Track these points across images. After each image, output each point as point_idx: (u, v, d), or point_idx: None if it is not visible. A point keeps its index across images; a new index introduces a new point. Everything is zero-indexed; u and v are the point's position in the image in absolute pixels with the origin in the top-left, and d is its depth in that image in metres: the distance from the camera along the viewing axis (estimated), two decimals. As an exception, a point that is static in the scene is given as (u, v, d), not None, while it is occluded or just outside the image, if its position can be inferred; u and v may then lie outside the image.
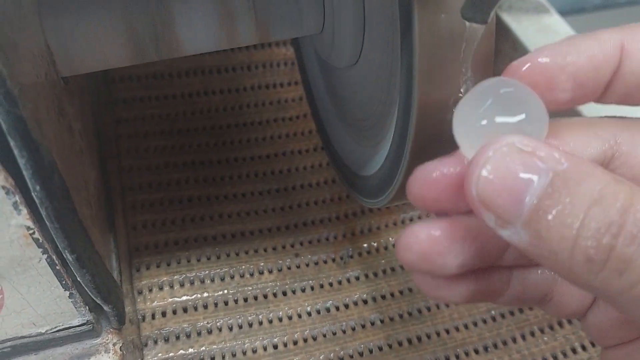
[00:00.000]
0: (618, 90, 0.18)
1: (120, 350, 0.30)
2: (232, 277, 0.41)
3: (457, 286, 0.19)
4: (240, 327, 0.39)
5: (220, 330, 0.38)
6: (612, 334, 0.20)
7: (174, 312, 0.39)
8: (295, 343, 0.38)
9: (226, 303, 0.40)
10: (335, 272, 0.42)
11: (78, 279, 0.25)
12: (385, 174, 0.31)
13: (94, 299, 0.27)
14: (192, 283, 0.40)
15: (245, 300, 0.40)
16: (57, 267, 0.25)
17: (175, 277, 0.40)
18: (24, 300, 0.26)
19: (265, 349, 0.38)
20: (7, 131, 0.19)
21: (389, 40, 0.29)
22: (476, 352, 0.39)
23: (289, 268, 0.42)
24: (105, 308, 0.28)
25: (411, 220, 0.45)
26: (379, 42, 0.30)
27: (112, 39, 0.29)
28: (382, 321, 0.40)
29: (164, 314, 0.39)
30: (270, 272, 0.41)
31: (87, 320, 0.29)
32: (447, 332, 0.40)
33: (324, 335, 0.39)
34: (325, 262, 0.42)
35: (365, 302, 0.41)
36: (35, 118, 0.20)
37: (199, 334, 0.38)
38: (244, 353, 0.38)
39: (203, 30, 0.30)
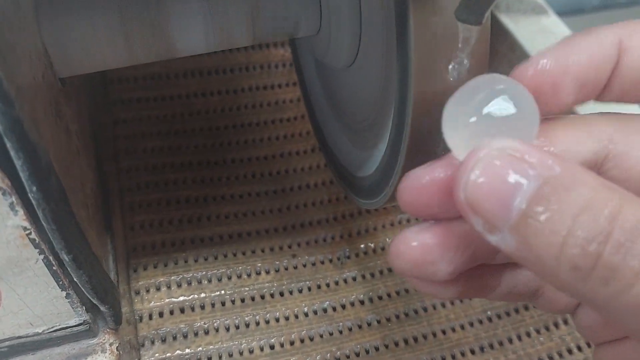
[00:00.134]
0: (616, 87, 0.18)
1: (117, 350, 0.31)
2: (229, 278, 0.41)
3: (450, 286, 0.19)
4: (237, 327, 0.39)
5: (217, 330, 0.39)
6: (601, 332, 0.20)
7: (171, 313, 0.39)
8: (292, 343, 0.39)
9: (223, 303, 0.40)
10: (332, 273, 0.42)
11: (75, 279, 0.25)
12: (381, 174, 0.31)
13: (91, 299, 0.27)
14: (189, 283, 0.40)
15: (242, 300, 0.40)
16: (54, 268, 0.25)
17: (173, 277, 0.40)
18: (21, 301, 0.26)
19: (262, 349, 0.38)
20: (4, 132, 0.19)
21: (385, 42, 0.29)
22: (472, 352, 0.39)
23: (286, 269, 0.42)
24: (102, 308, 0.28)
25: (408, 221, 0.46)
26: (375, 43, 0.30)
27: (109, 40, 0.29)
28: (378, 321, 0.40)
29: (161, 315, 0.39)
30: (267, 272, 0.42)
31: (84, 321, 0.29)
32: (444, 332, 0.40)
33: (321, 336, 0.39)
34: (322, 262, 0.43)
35: (362, 302, 0.41)
36: (32, 119, 0.20)
37: (196, 334, 0.38)
38: (241, 353, 0.38)
39: (199, 32, 0.30)
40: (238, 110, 0.50)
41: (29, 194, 0.21)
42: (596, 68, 0.17)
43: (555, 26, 0.45)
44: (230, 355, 0.38)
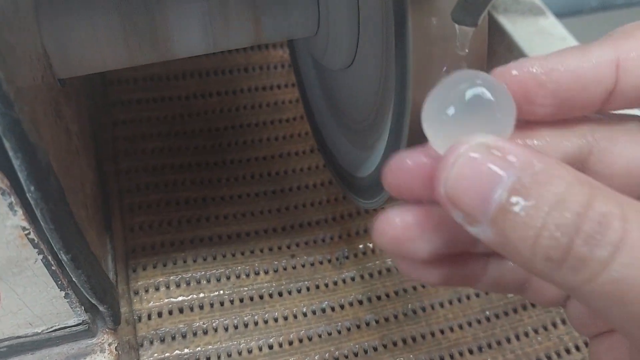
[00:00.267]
0: (618, 104, 0.18)
1: (116, 350, 0.31)
2: (227, 278, 0.41)
3: (433, 269, 0.19)
4: (236, 327, 0.39)
5: (215, 330, 0.39)
6: (592, 323, 0.20)
7: (170, 313, 0.39)
8: (290, 343, 0.39)
9: (222, 303, 0.40)
10: (330, 273, 0.42)
11: (73, 279, 0.26)
12: (380, 175, 0.31)
13: (90, 299, 0.27)
14: (188, 284, 0.40)
15: (241, 300, 0.40)
16: (53, 268, 0.25)
17: (172, 277, 0.40)
18: (21, 301, 0.26)
19: (260, 349, 0.38)
20: (2, 133, 0.19)
21: (383, 42, 0.29)
22: (470, 352, 0.39)
23: (285, 269, 0.42)
24: (101, 308, 0.28)
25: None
26: (373, 44, 0.30)
27: (108, 41, 0.29)
28: (377, 321, 0.40)
29: (159, 315, 0.39)
30: (266, 272, 0.42)
31: (83, 320, 0.29)
32: (442, 332, 0.40)
33: (319, 336, 0.39)
34: (321, 263, 0.43)
35: (360, 302, 0.41)
36: (32, 120, 0.20)
37: (194, 334, 0.38)
38: (240, 353, 0.38)
39: (198, 32, 0.31)
40: (237, 111, 0.50)
41: (27, 194, 0.21)
42: (584, 88, 0.17)
43: (553, 27, 0.45)
44: (229, 355, 0.38)
